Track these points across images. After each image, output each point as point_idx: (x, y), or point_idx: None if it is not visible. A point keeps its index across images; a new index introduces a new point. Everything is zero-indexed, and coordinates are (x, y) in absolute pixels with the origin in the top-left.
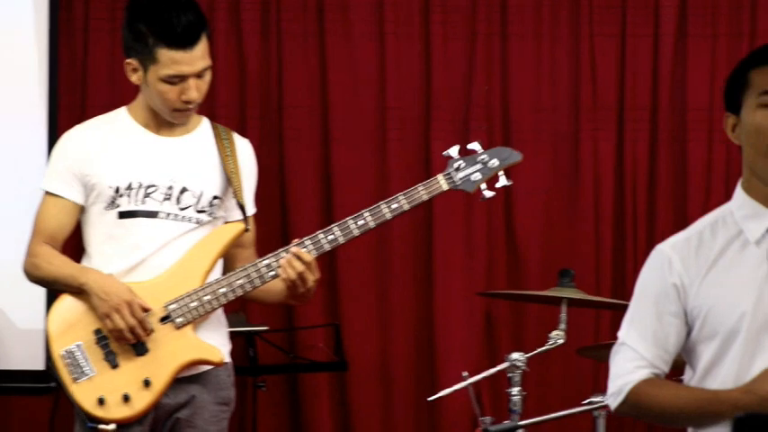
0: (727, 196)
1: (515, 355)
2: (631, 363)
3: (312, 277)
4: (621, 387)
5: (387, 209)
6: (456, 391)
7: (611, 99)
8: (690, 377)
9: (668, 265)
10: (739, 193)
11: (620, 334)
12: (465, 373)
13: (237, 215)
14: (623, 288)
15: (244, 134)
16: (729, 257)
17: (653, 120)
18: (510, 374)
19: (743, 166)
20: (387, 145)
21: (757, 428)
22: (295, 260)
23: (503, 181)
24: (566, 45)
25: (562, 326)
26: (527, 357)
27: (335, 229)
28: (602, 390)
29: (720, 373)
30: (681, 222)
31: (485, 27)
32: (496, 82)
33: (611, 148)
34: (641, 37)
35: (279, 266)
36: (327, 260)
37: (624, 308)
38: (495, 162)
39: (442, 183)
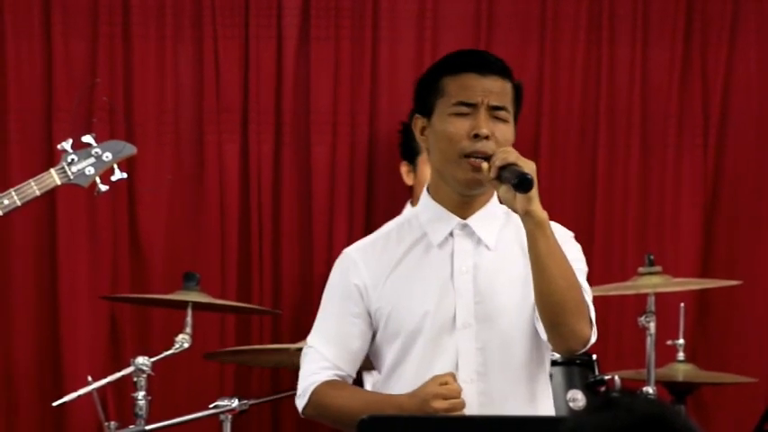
0: (349, 197)
1: (140, 360)
2: (316, 364)
3: None
4: (306, 389)
5: None
6: (81, 396)
7: (236, 101)
8: (377, 379)
9: (352, 267)
10: (425, 197)
11: (309, 337)
12: (90, 378)
13: None
14: (248, 291)
15: None
16: (413, 259)
17: (277, 122)
18: (135, 378)
19: (431, 171)
20: (8, 147)
21: (378, 428)
22: None
23: (118, 174)
24: (189, 46)
25: (188, 329)
26: (152, 361)
27: None
28: (227, 393)
29: (402, 373)
30: (306, 225)
31: (107, 28)
32: (119, 83)
33: (236, 150)
34: (265, 39)
35: None
36: None
37: (249, 311)
38: (108, 155)
39: (54, 177)
